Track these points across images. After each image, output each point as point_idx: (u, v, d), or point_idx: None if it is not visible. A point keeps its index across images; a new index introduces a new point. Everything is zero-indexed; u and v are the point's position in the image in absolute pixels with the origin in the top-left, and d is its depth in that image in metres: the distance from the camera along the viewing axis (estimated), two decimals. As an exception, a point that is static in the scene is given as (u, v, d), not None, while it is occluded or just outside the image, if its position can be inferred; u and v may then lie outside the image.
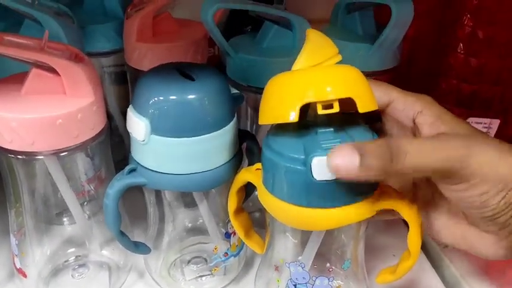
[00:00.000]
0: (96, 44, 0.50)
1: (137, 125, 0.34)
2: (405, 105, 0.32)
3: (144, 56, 0.46)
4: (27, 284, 0.41)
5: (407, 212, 0.32)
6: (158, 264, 0.44)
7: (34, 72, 0.34)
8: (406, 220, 0.33)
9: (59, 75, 0.34)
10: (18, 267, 0.40)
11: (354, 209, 0.31)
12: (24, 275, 0.40)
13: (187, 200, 0.43)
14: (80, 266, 0.45)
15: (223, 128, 0.35)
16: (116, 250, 0.45)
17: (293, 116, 0.29)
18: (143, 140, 0.34)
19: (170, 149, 0.34)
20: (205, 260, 0.46)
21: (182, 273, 0.45)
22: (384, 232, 0.51)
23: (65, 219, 0.47)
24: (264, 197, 0.33)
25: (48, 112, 0.33)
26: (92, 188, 0.45)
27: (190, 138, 0.34)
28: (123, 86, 0.57)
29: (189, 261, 0.46)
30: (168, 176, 0.35)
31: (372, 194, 0.32)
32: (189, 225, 0.46)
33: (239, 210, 0.39)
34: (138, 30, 0.46)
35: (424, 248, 0.50)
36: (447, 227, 0.34)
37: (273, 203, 0.32)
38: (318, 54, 0.31)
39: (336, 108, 0.29)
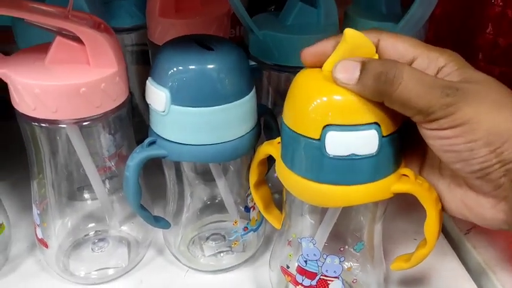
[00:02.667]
0: (118, 20, 0.51)
1: (157, 95, 0.34)
2: (429, 61, 0.31)
3: (166, 31, 0.46)
4: (48, 254, 0.41)
5: (425, 197, 0.32)
6: (177, 240, 0.44)
7: (58, 40, 0.34)
8: (424, 206, 0.32)
9: (83, 44, 0.34)
10: (39, 237, 0.40)
11: (368, 188, 0.31)
12: (46, 245, 0.40)
13: (206, 176, 0.43)
14: (100, 240, 0.46)
15: (243, 98, 0.36)
16: (135, 226, 0.45)
17: (315, 135, 0.30)
18: (163, 111, 0.34)
19: (190, 119, 0.34)
20: (224, 237, 0.46)
21: (201, 249, 0.45)
22: (405, 216, 0.50)
23: (86, 194, 0.47)
24: (281, 170, 0.33)
25: (71, 80, 0.33)
26: (113, 164, 0.45)
27: (210, 108, 0.34)
28: (145, 65, 0.57)
29: (207, 238, 0.46)
30: (188, 147, 0.35)
31: (390, 175, 0.32)
32: (208, 202, 0.46)
33: (260, 183, 0.39)
34: (160, 5, 0.45)
35: (446, 233, 0.50)
36: (450, 194, 0.33)
37: (289, 177, 0.33)
38: (349, 55, 0.30)
39: None
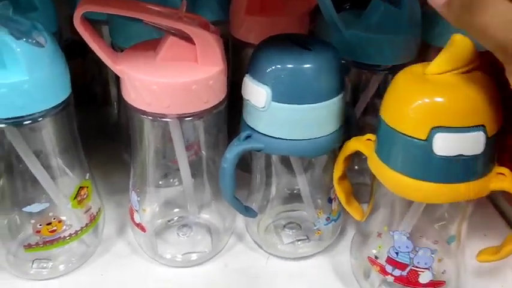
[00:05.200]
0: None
1: (258, 92, 0.36)
2: None
3: (251, 28, 0.48)
4: (144, 238, 0.44)
5: None
6: (259, 227, 0.47)
7: (171, 40, 0.36)
8: None
9: (193, 44, 0.36)
10: (137, 222, 0.43)
11: (470, 186, 0.33)
12: (144, 230, 0.43)
13: (292, 168, 0.45)
14: (183, 226, 0.48)
15: (337, 97, 0.37)
16: (215, 214, 0.48)
17: (422, 135, 0.32)
18: (263, 107, 0.36)
19: (289, 115, 0.37)
20: (299, 226, 0.48)
21: (279, 237, 0.47)
22: (473, 213, 0.51)
23: (170, 181, 0.50)
24: (376, 165, 0.35)
25: (184, 78, 0.35)
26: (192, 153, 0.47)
27: (309, 105, 0.36)
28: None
29: (284, 226, 0.48)
30: (284, 141, 0.38)
31: (489, 173, 0.33)
32: (288, 192, 0.48)
33: (343, 177, 0.41)
34: (247, 4, 0.47)
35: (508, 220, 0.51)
36: None
37: (385, 172, 0.34)
38: (455, 59, 0.32)
39: None
